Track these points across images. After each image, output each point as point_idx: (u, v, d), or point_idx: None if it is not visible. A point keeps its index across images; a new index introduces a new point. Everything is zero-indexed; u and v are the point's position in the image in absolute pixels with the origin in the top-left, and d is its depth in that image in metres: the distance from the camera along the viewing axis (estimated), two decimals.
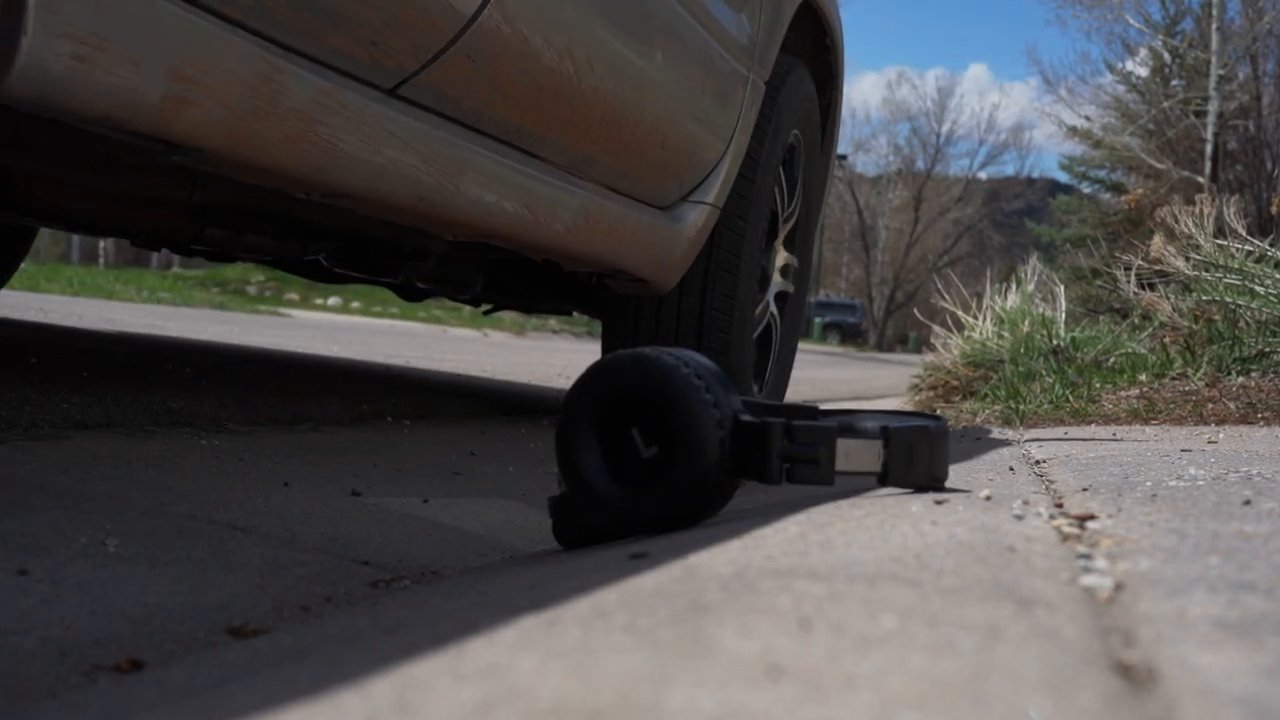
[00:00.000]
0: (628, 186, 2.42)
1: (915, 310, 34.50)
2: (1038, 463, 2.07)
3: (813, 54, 3.30)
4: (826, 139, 3.48)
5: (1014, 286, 5.52)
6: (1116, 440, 2.64)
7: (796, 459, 1.28)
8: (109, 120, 1.32)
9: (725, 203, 2.76)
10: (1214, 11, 20.12)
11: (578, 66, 1.99)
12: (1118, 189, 26.25)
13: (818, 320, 45.62)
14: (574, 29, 1.96)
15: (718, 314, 2.80)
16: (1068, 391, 3.69)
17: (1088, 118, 25.45)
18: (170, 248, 2.92)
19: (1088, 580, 0.81)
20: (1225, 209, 4.48)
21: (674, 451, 1.25)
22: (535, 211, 2.09)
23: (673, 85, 2.37)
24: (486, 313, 4.05)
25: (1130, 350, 4.26)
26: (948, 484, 1.37)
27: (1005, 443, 2.70)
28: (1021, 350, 4.47)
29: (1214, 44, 19.87)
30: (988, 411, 3.78)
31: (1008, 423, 3.48)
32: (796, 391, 7.49)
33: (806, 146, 3.20)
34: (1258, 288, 3.92)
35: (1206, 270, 4.16)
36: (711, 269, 2.79)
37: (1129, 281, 4.65)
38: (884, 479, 1.32)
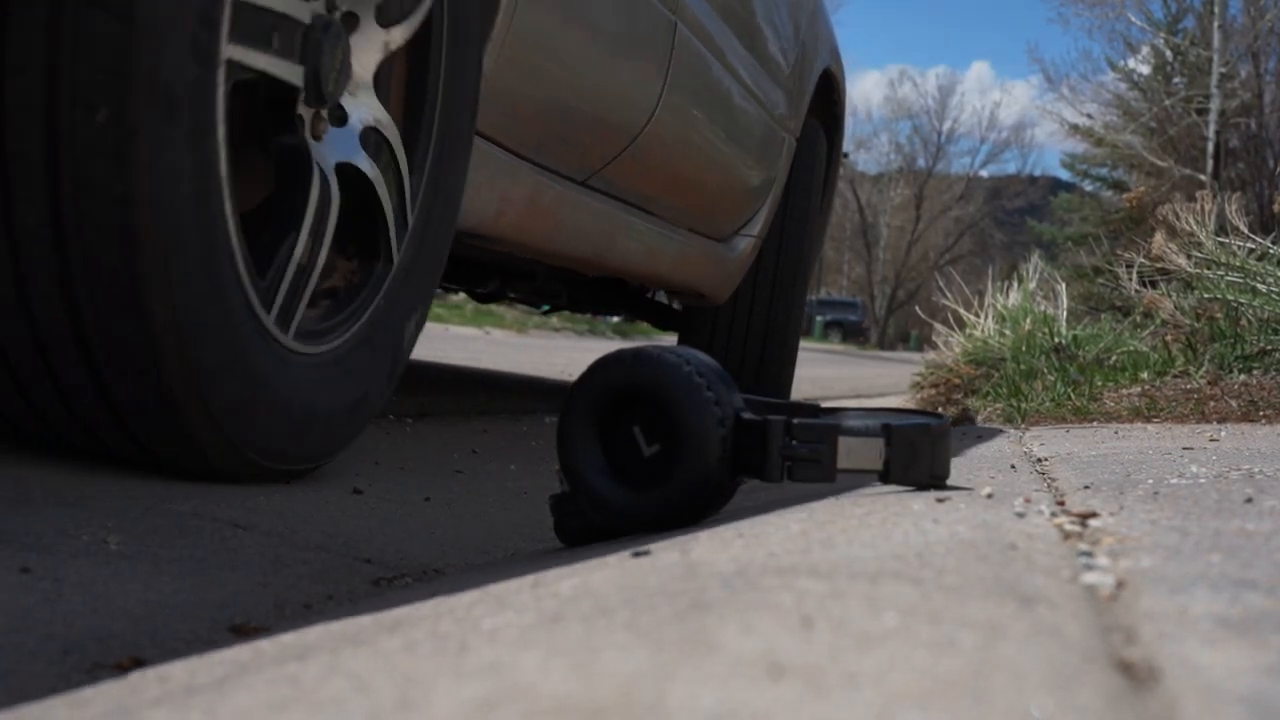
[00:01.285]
0: (703, 228, 3.24)
1: (917, 308, 34.51)
2: (1039, 460, 2.07)
3: (823, 106, 3.97)
4: (831, 175, 4.17)
5: (1015, 284, 5.52)
6: (1118, 438, 2.64)
7: (798, 457, 1.28)
8: (472, 232, 2.11)
9: (765, 233, 3.57)
10: (1215, 9, 20.12)
11: (691, 157, 2.95)
12: (1119, 187, 26.22)
13: (819, 319, 45.61)
14: (694, 134, 2.91)
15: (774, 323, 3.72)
16: (1069, 390, 3.69)
17: (1089, 116, 25.44)
18: None
19: (1089, 578, 0.81)
20: (1227, 207, 4.47)
21: (676, 449, 1.26)
22: (653, 254, 2.98)
23: (743, 158, 3.25)
24: (546, 312, 5.10)
25: (1132, 348, 4.26)
26: (949, 482, 1.37)
27: (1007, 440, 2.70)
28: (1023, 348, 4.47)
29: (1215, 42, 19.87)
30: (989, 409, 3.78)
31: (1009, 421, 3.48)
32: (798, 390, 7.49)
33: (815, 184, 3.88)
34: (1259, 286, 3.92)
35: (1208, 268, 4.16)
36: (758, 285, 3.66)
37: (1130, 279, 4.65)
38: (885, 477, 1.32)
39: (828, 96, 3.94)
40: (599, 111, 2.48)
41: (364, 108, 1.73)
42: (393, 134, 1.77)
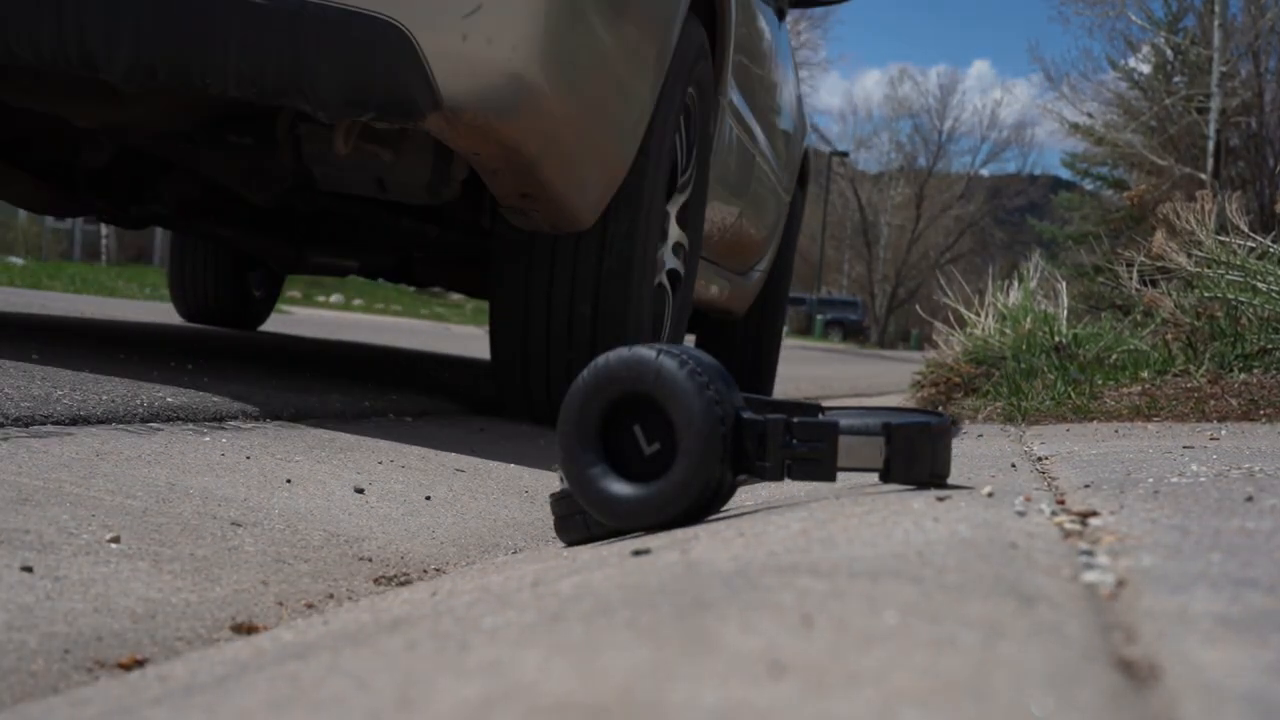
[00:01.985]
0: (737, 269, 4.62)
1: (917, 307, 34.47)
2: (1040, 459, 2.07)
3: (801, 173, 5.58)
4: (799, 218, 5.77)
5: (1016, 283, 5.51)
6: (1119, 437, 2.64)
7: (799, 456, 1.28)
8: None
9: (771, 267, 5.22)
10: (1216, 8, 20.10)
11: (748, 230, 4.47)
12: (1120, 186, 26.21)
13: (819, 318, 45.60)
14: (753, 217, 4.48)
15: (772, 333, 5.59)
16: (1070, 388, 3.69)
17: (1090, 114, 25.42)
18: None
19: (1090, 577, 0.81)
20: (1227, 206, 4.47)
21: (676, 448, 1.26)
22: (719, 291, 4.36)
23: (768, 223, 4.88)
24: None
25: (1132, 347, 4.26)
26: (950, 480, 1.37)
27: (1007, 439, 2.70)
28: (1023, 347, 4.46)
29: (1216, 41, 19.86)
30: (990, 408, 3.78)
31: (1010, 420, 3.48)
32: (798, 389, 7.48)
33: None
34: (1260, 284, 3.92)
35: (1208, 267, 4.16)
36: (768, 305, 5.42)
37: (1131, 278, 4.64)
38: (886, 475, 1.32)
39: (804, 166, 5.63)
40: (720, 223, 3.95)
41: (674, 239, 3.30)
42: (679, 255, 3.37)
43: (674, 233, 3.24)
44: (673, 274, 3.30)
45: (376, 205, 3.32)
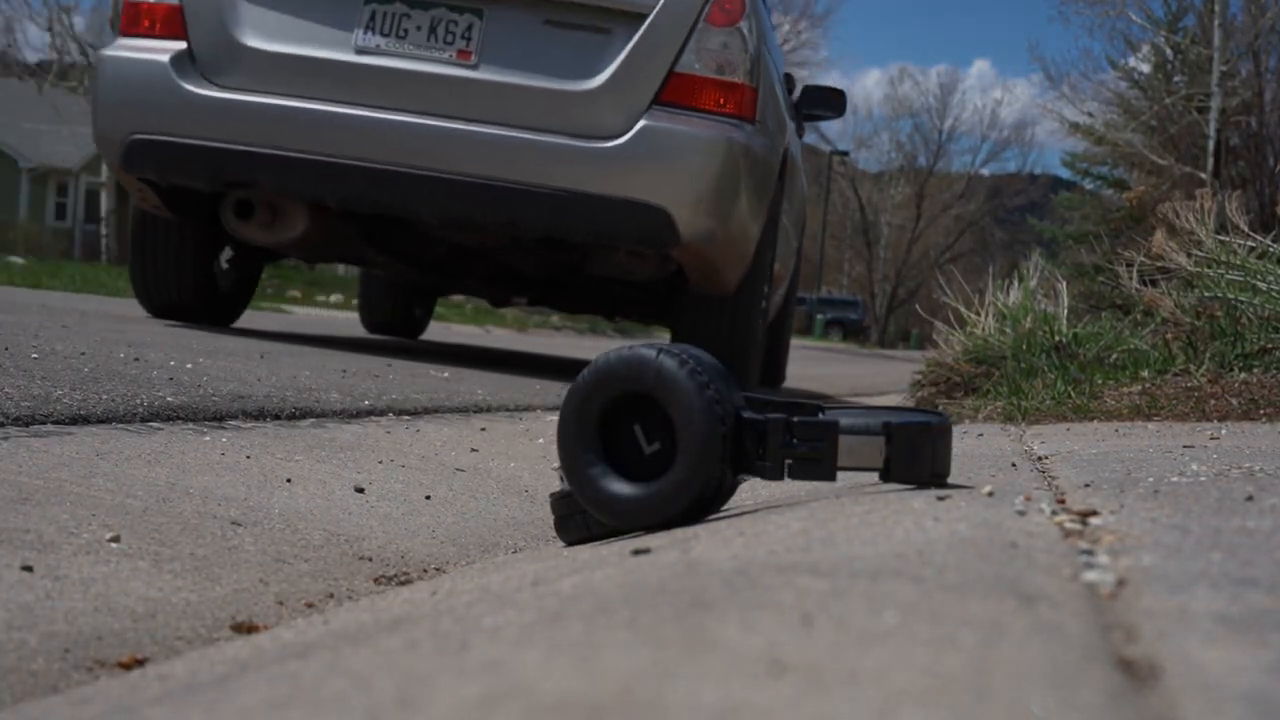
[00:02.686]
0: (774, 297, 6.19)
1: (917, 307, 34.48)
2: (1040, 459, 2.07)
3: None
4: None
5: (1016, 283, 5.51)
6: (1119, 436, 2.64)
7: (799, 455, 1.28)
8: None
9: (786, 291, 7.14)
10: (1216, 7, 20.10)
11: (781, 272, 6.13)
12: (1120, 185, 26.21)
13: (820, 317, 45.59)
14: (784, 263, 6.26)
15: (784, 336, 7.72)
16: (1070, 388, 3.69)
17: (1090, 114, 25.42)
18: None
19: (1090, 576, 0.81)
20: (1227, 205, 4.47)
21: (676, 447, 1.25)
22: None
23: (789, 263, 6.84)
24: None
25: (1132, 347, 4.25)
26: (950, 480, 1.37)
27: (1007, 439, 2.70)
28: (1023, 347, 4.46)
29: (1216, 40, 19.85)
30: (990, 408, 3.78)
31: (1010, 419, 3.48)
32: (799, 388, 7.49)
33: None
34: (1260, 284, 3.92)
35: (1208, 266, 4.16)
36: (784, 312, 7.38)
37: (1131, 278, 4.64)
38: (886, 475, 1.32)
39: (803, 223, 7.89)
40: (778, 274, 5.89)
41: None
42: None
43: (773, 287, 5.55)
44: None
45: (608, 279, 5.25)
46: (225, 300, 5.59)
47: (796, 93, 6.57)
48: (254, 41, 4.32)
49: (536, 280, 5.58)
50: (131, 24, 4.47)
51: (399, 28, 4.29)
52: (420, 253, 5.25)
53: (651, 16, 4.23)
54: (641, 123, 4.18)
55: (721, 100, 4.29)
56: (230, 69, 4.33)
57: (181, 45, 4.35)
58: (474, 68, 4.25)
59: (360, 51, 4.28)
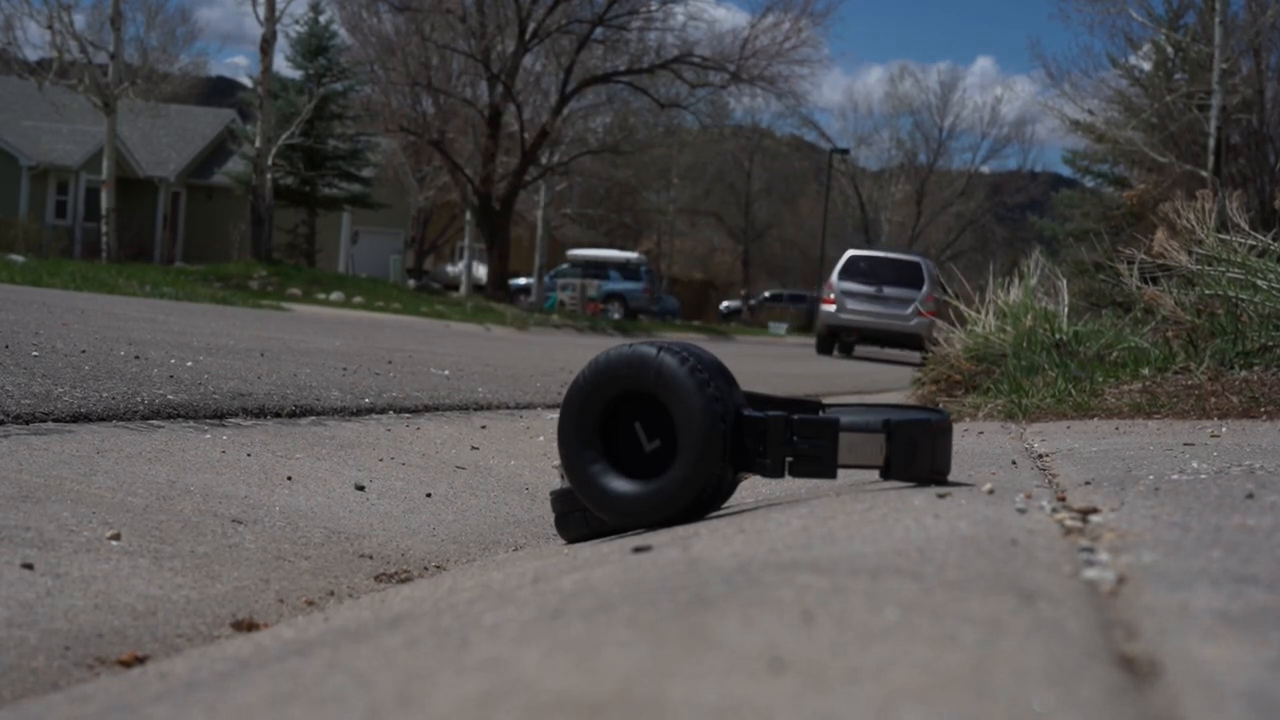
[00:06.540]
0: None
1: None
2: (1040, 456, 2.07)
3: None
4: None
5: (1016, 281, 5.51)
6: (1119, 434, 2.64)
7: (799, 453, 1.28)
8: None
9: None
10: (1217, 5, 20.08)
11: None
12: (1120, 183, 26.22)
13: None
14: None
15: None
16: (1070, 385, 3.69)
17: (1091, 112, 25.41)
18: None
19: (1090, 573, 0.81)
20: (1228, 203, 4.46)
21: (676, 445, 1.26)
22: None
23: None
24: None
25: (1133, 344, 4.25)
26: (950, 477, 1.37)
27: (1008, 436, 2.70)
28: (1024, 344, 4.46)
29: (1217, 38, 19.84)
30: (990, 405, 3.78)
31: (1010, 417, 3.48)
32: (799, 386, 7.49)
33: None
34: (1260, 282, 3.91)
35: (1209, 264, 4.16)
36: None
37: (1131, 276, 4.64)
38: (887, 472, 1.32)
39: None
40: None
41: None
42: None
43: None
44: None
45: None
46: None
47: None
48: None
49: None
50: None
51: None
52: None
53: None
54: None
55: None
56: None
57: None
58: None
59: None
